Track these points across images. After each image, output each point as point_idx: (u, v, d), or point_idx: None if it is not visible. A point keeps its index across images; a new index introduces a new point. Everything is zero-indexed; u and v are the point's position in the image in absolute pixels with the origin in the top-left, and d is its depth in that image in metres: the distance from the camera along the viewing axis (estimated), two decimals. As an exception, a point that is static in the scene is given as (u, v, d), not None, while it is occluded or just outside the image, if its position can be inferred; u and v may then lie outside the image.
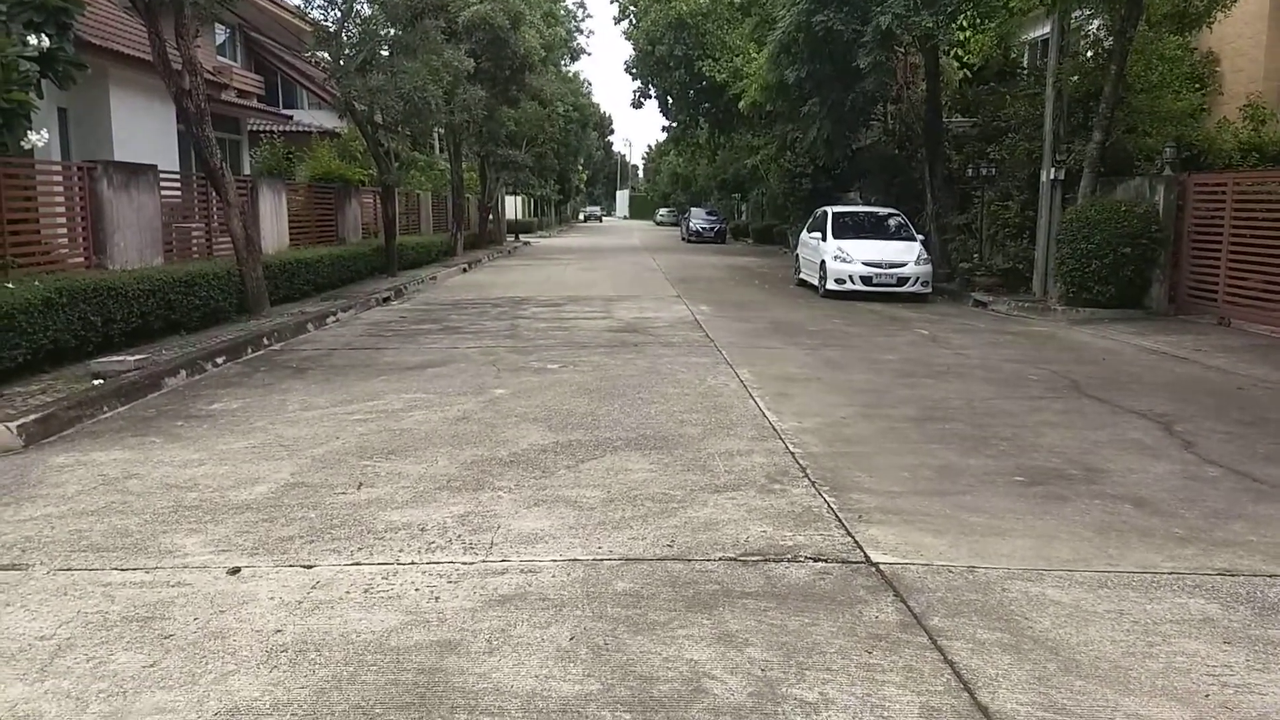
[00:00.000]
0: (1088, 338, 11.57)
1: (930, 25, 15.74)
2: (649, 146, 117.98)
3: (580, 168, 70.81)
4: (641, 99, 36.16)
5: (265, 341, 10.40)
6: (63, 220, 9.78)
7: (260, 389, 7.95)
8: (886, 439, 6.17)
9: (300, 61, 27.41)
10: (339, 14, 16.72)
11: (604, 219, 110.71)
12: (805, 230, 19.01)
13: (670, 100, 35.36)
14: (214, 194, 13.08)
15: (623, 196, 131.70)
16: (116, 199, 10.26)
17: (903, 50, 19.04)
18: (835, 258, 16.31)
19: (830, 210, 17.78)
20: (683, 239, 45.30)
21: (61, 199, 9.77)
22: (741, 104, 22.51)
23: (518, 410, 6.99)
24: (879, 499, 4.84)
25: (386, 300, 15.63)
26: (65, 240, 9.76)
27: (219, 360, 9.19)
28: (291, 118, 23.65)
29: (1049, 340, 11.27)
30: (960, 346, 10.64)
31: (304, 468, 5.46)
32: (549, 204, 65.98)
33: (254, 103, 21.55)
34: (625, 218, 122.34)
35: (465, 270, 23.52)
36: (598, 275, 21.75)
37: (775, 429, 6.39)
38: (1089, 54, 15.24)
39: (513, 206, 49.76)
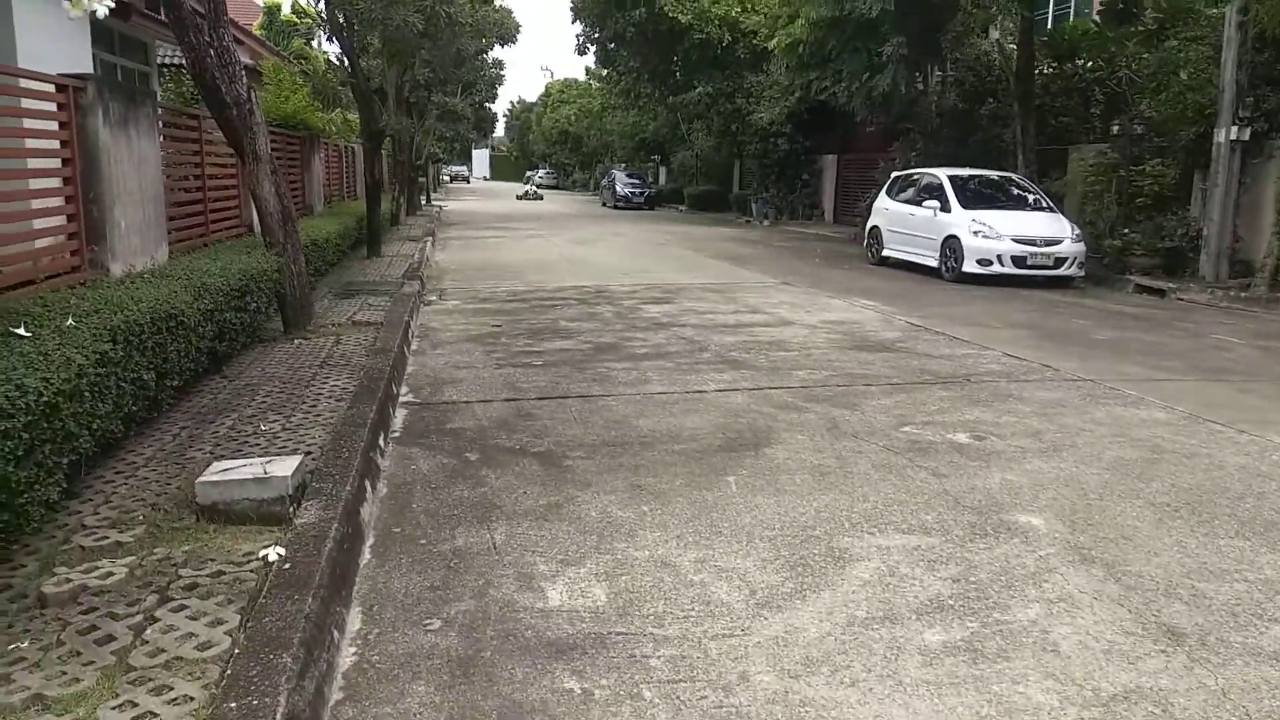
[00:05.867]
0: None
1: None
2: (512, 102, 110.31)
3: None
4: (587, 44, 31.70)
5: (394, 389, 6.24)
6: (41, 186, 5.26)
7: (596, 532, 4.00)
8: None
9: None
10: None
11: (470, 180, 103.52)
12: (889, 197, 15.82)
13: (613, 46, 31.25)
14: (205, 144, 8.54)
15: (481, 156, 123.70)
16: (115, 146, 5.77)
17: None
18: (975, 233, 13.24)
19: (944, 174, 14.64)
20: (604, 205, 41.35)
21: (44, 142, 5.28)
22: (774, 44, 18.96)
23: (1172, 582, 3.45)
24: None
25: (421, 295, 11.33)
26: (45, 227, 5.24)
27: (382, 443, 5.07)
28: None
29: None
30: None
31: None
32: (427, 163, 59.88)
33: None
34: (485, 179, 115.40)
35: (432, 244, 18.96)
36: (603, 250, 17.86)
37: None
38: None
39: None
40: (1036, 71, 17.49)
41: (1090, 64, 17.20)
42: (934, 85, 18.78)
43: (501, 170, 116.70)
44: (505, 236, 21.71)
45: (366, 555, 3.74)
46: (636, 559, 3.67)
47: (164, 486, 4.13)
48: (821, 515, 4.14)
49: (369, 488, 4.33)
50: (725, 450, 5.07)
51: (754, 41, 24.77)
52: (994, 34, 19.23)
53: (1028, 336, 8.84)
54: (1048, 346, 8.31)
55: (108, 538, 3.58)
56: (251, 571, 3.27)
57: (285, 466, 4.03)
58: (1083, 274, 13.33)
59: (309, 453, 4.55)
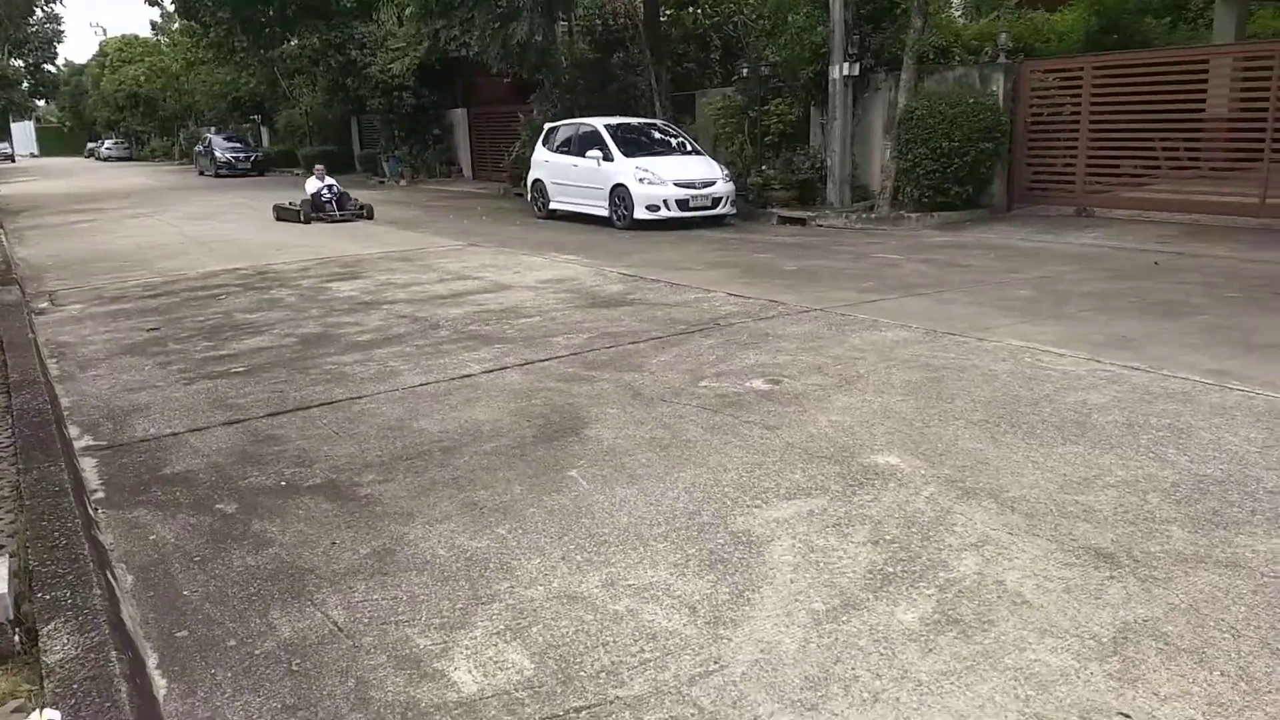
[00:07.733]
0: (1017, 243, 10.75)
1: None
2: (57, 67, 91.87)
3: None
4: (160, -9, 27.19)
5: (64, 432, 4.68)
6: None
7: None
8: None
9: None
10: None
11: (14, 159, 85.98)
12: (546, 149, 15.52)
13: (195, -4, 27.36)
14: None
15: (25, 129, 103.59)
16: None
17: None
18: (641, 180, 13.39)
19: (600, 123, 14.59)
20: (202, 174, 36.60)
21: None
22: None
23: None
24: None
25: (27, 303, 8.96)
26: None
27: (90, 512, 3.70)
28: None
29: (1006, 251, 10.12)
30: (985, 270, 8.97)
31: None
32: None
33: None
34: (34, 155, 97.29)
35: (5, 238, 15.33)
36: (233, 225, 15.67)
37: None
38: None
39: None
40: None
41: (702, 11, 18.13)
42: (563, 35, 18.68)
43: (53, 144, 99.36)
44: (98, 219, 18.23)
45: (160, 682, 2.64)
46: (534, 599, 2.97)
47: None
48: (695, 496, 3.70)
49: (113, 581, 3.12)
50: (543, 441, 4.42)
51: (367, -13, 23.06)
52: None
53: (732, 275, 9.04)
54: (757, 282, 8.56)
55: None
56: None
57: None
58: (734, 211, 14.09)
59: (2, 546, 3.19)
